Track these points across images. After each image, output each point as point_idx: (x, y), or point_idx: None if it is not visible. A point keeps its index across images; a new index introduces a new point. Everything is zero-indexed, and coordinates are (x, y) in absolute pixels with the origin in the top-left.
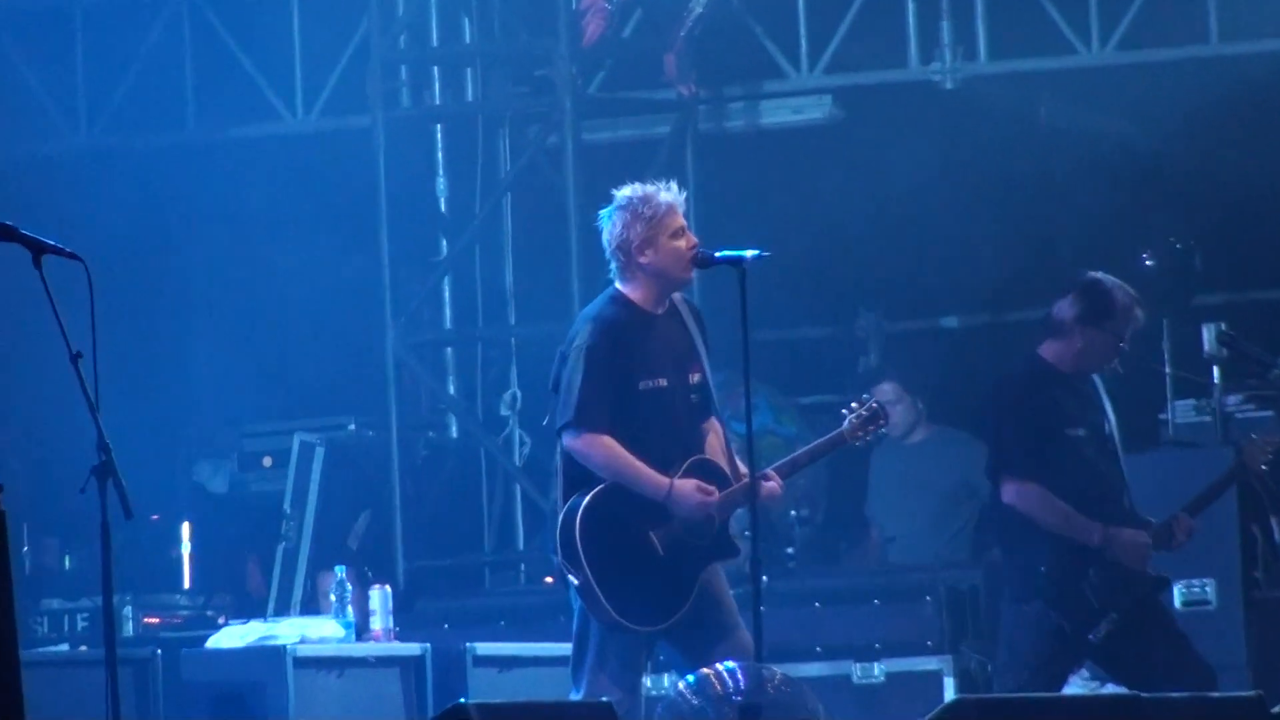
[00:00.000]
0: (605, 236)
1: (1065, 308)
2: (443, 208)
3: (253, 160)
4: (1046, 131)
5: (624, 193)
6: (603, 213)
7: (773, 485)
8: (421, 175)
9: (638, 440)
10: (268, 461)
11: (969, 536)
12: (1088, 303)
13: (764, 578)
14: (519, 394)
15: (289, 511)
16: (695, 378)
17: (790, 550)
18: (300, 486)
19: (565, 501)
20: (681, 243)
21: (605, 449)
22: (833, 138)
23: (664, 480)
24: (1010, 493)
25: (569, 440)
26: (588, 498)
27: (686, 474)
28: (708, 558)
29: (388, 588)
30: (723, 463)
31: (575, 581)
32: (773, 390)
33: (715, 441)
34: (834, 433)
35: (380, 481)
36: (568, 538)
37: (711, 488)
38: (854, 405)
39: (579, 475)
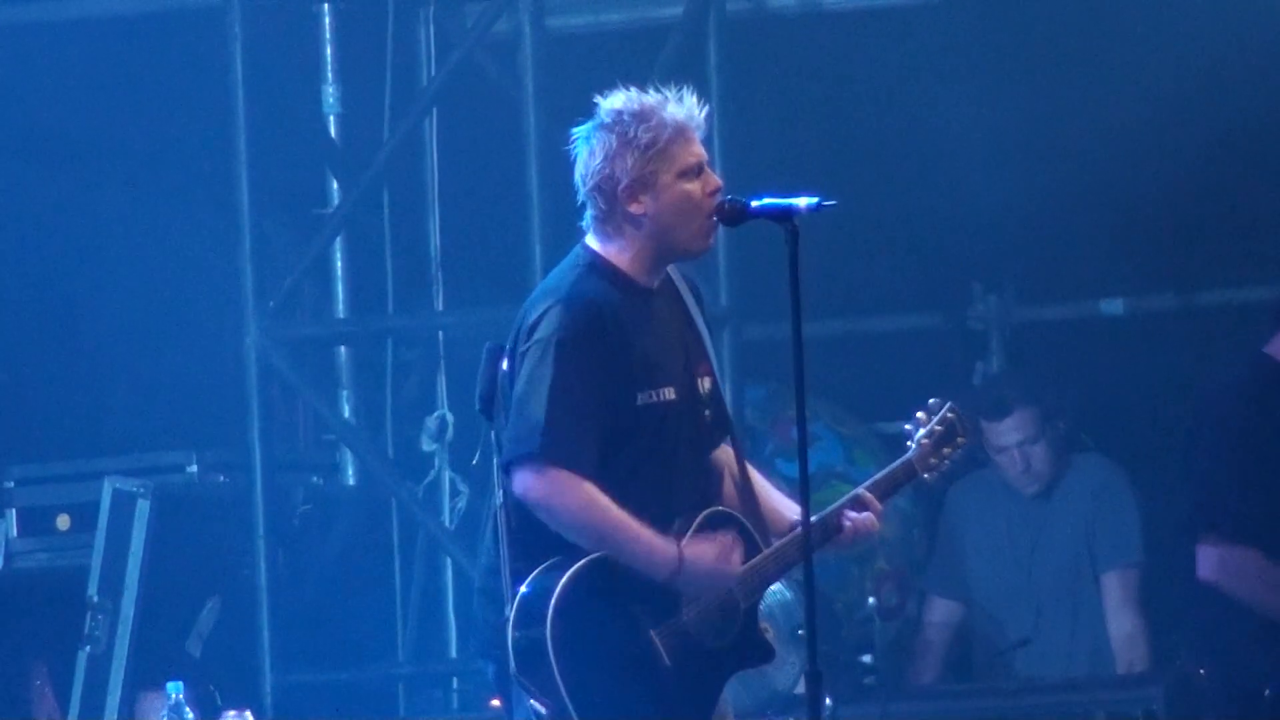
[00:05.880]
0: (580, 169)
1: None
2: (333, 131)
3: (37, 57)
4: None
5: (611, 104)
6: (578, 132)
7: (866, 518)
8: (301, 82)
9: (630, 484)
10: (64, 522)
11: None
12: None
13: (827, 700)
14: (450, 418)
15: (97, 599)
16: (706, 384)
17: (868, 658)
18: (114, 560)
19: (519, 581)
20: (696, 185)
21: (584, 499)
22: (933, 23)
23: (669, 550)
24: (1209, 562)
25: (526, 483)
26: (565, 579)
27: (698, 535)
28: (730, 666)
29: (248, 715)
30: (749, 517)
31: (542, 711)
32: (841, 411)
33: (730, 485)
34: (896, 464)
35: (237, 551)
36: (531, 641)
37: (730, 540)
38: (920, 416)
39: (541, 539)
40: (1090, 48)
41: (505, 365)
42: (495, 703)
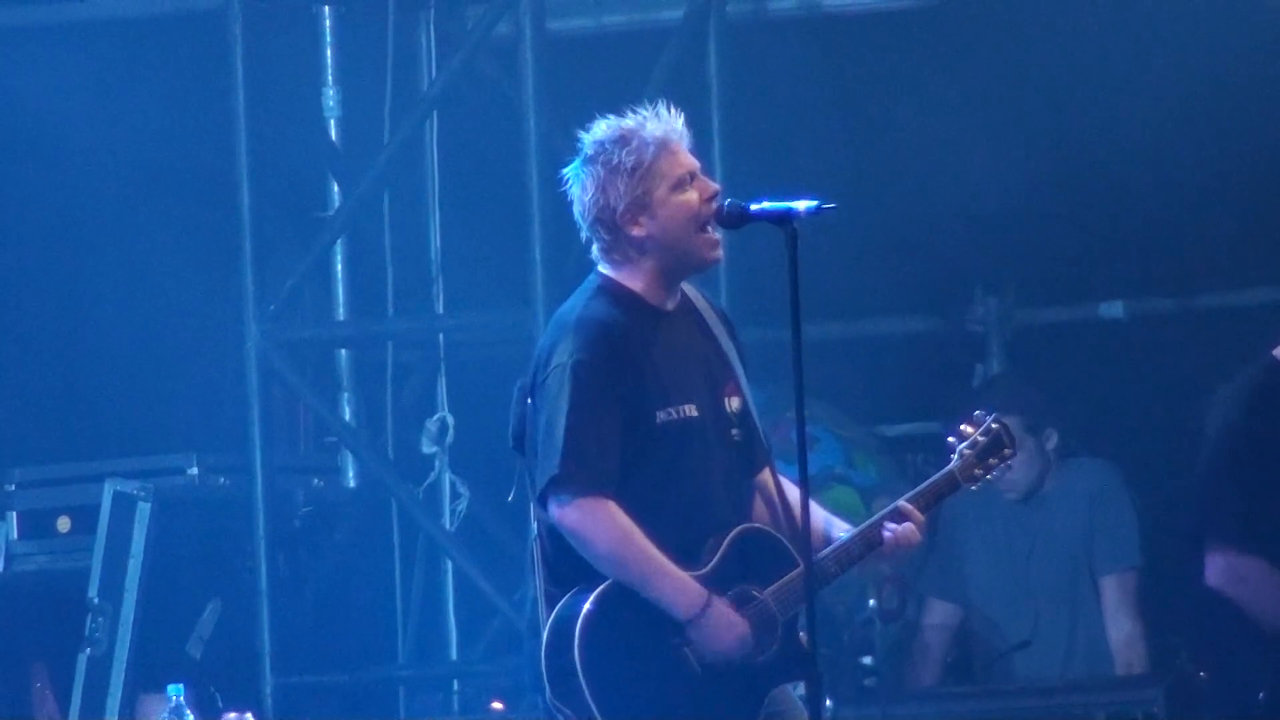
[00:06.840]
0: (577, 207)
1: None
2: (333, 135)
3: (38, 59)
4: None
5: (591, 136)
6: (567, 172)
7: (907, 529)
8: (302, 85)
9: (657, 504)
10: (64, 524)
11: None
12: None
13: (828, 702)
14: (451, 420)
15: (97, 601)
16: (734, 403)
17: (868, 660)
18: (114, 562)
19: (554, 604)
20: (691, 195)
21: (616, 531)
22: (933, 24)
23: (697, 591)
24: (1216, 569)
25: (560, 512)
26: (590, 599)
27: (729, 555)
28: (771, 679)
29: (249, 717)
30: (783, 533)
31: None
32: (840, 415)
33: (763, 508)
34: (939, 475)
35: (238, 554)
36: (562, 663)
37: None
38: (966, 429)
39: (573, 565)
40: (1090, 49)
41: (530, 400)
42: (496, 705)
